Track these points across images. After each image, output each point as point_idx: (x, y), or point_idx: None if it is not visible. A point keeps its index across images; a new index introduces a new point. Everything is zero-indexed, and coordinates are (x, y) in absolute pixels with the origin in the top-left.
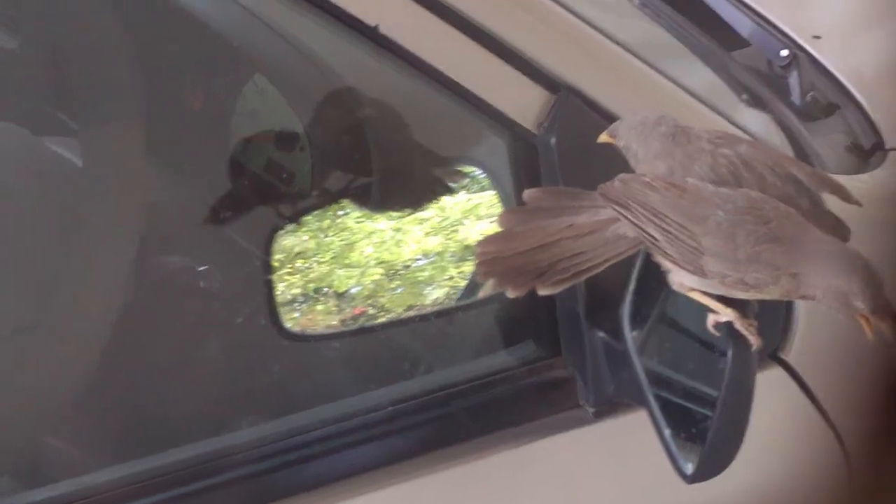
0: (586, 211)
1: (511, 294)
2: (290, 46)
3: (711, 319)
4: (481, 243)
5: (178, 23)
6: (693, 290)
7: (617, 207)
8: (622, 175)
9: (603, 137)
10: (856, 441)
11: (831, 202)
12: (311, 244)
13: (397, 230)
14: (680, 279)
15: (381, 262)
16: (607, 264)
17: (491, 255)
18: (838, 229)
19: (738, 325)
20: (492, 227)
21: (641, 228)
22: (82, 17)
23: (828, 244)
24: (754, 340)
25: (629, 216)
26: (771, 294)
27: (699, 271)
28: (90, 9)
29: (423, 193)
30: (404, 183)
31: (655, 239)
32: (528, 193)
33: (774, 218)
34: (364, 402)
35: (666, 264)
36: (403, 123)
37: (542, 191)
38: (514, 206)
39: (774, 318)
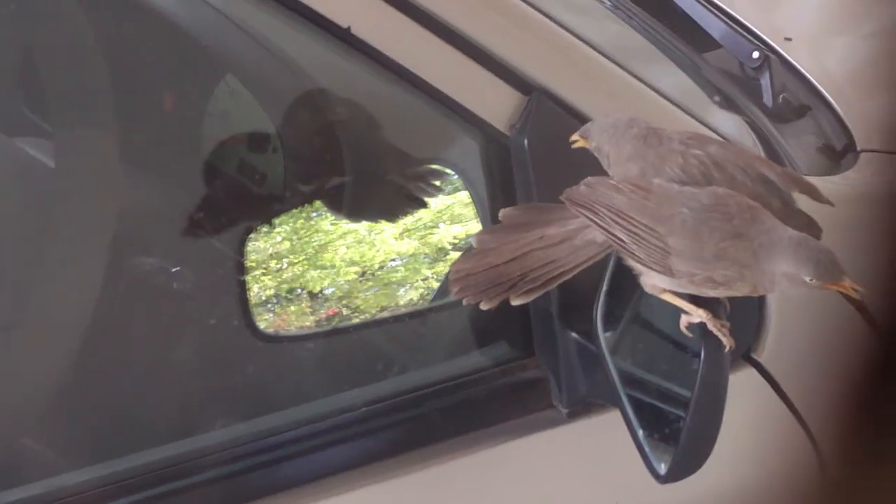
0: (557, 222)
1: (484, 306)
2: (262, 47)
3: (684, 320)
4: (455, 263)
5: (150, 24)
6: (665, 291)
7: (583, 211)
8: (588, 179)
9: (575, 138)
10: (828, 440)
11: (803, 202)
12: (285, 245)
13: (371, 231)
14: (651, 281)
15: (355, 263)
16: (578, 270)
17: (464, 273)
18: (810, 228)
19: (711, 326)
20: (465, 228)
21: (608, 231)
22: (54, 19)
23: (775, 232)
24: (727, 341)
25: (596, 219)
26: (740, 290)
27: (668, 271)
28: (62, 11)
29: (396, 197)
30: (378, 184)
31: (623, 241)
32: (503, 213)
33: (738, 214)
34: (338, 403)
35: (636, 266)
36: (376, 125)
37: (516, 208)
38: (486, 206)
39: (747, 319)
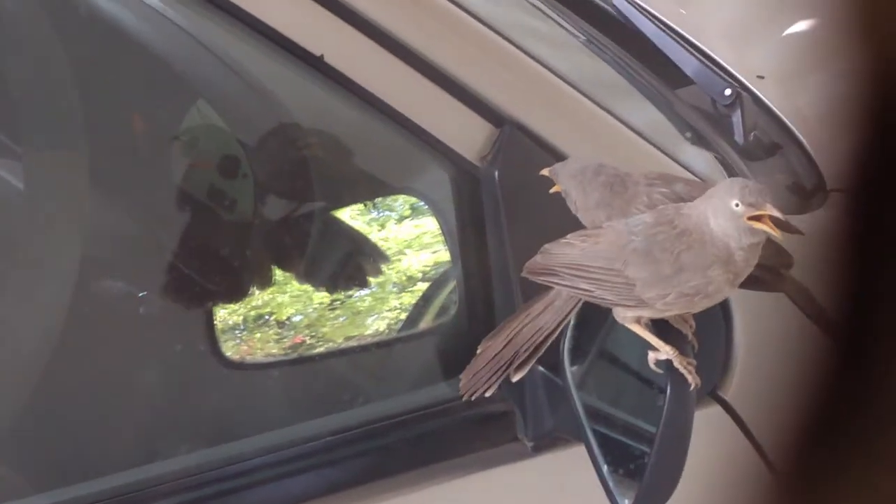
0: (540, 298)
1: (487, 394)
2: (235, 73)
3: (651, 357)
4: (463, 377)
5: (122, 47)
6: (635, 321)
7: (545, 279)
8: (543, 246)
9: (545, 173)
10: (792, 478)
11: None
12: None
13: None
14: (623, 313)
15: (323, 291)
16: (560, 327)
17: (471, 374)
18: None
19: (677, 364)
20: (434, 256)
21: (573, 287)
22: (26, 41)
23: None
24: (692, 379)
25: (558, 281)
26: (720, 291)
27: (640, 303)
28: (34, 32)
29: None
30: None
31: (589, 290)
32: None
33: (675, 215)
34: (302, 432)
35: (613, 309)
36: (347, 153)
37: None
38: (455, 237)
39: (714, 356)
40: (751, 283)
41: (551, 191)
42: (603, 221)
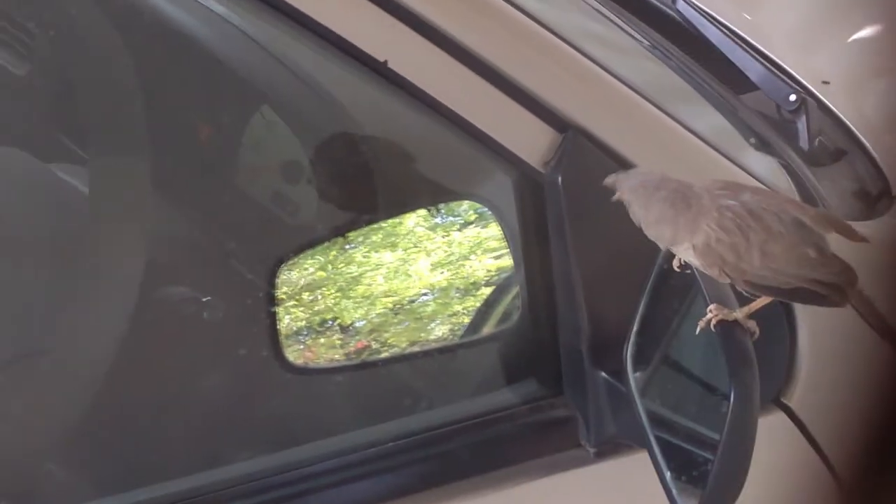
0: None
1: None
2: (299, 79)
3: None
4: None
5: (188, 53)
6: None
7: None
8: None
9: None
10: (856, 487)
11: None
12: (317, 277)
13: (404, 264)
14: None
15: (388, 296)
16: None
17: None
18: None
19: (741, 317)
20: (497, 262)
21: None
22: (93, 46)
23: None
24: (753, 326)
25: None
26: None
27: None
28: (101, 38)
29: None
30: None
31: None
32: None
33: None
34: (364, 438)
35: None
36: (410, 158)
37: None
38: (518, 243)
39: (777, 363)
40: (815, 299)
41: (613, 199)
42: (668, 238)
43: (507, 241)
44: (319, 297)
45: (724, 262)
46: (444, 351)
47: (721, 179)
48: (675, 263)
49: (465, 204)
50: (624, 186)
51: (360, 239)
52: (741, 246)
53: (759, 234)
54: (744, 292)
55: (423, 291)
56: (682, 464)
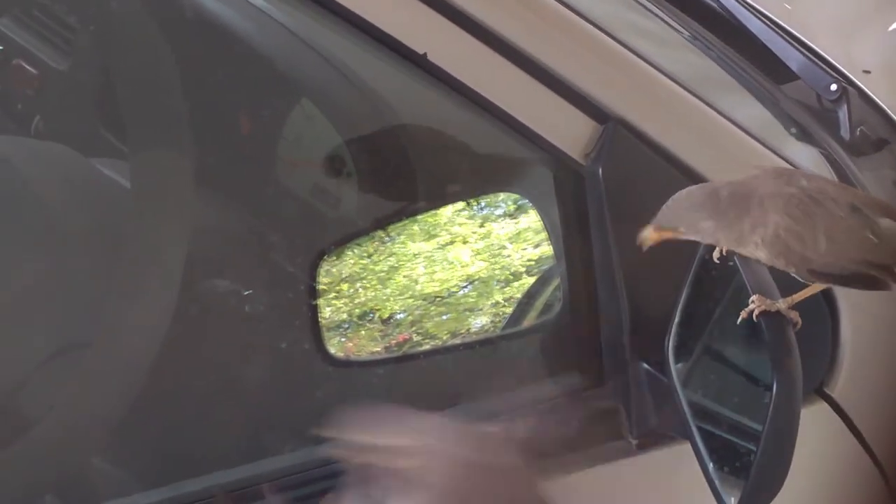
0: None
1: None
2: (338, 72)
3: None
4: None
5: (227, 46)
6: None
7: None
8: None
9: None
10: None
11: None
12: (358, 269)
13: (444, 255)
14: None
15: (427, 288)
16: None
17: None
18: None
19: (783, 307)
20: (538, 251)
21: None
22: (133, 42)
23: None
24: (796, 317)
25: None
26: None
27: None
28: (141, 32)
29: None
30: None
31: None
32: None
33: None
34: None
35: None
36: (450, 150)
37: None
38: (559, 234)
39: (820, 353)
40: (869, 283)
41: (649, 242)
42: (734, 238)
43: (547, 232)
44: (360, 289)
45: (790, 250)
46: (486, 343)
47: (772, 167)
48: (716, 255)
49: (504, 195)
50: (671, 217)
51: (400, 231)
52: (807, 233)
53: (824, 220)
54: (799, 278)
55: (464, 283)
56: (724, 455)
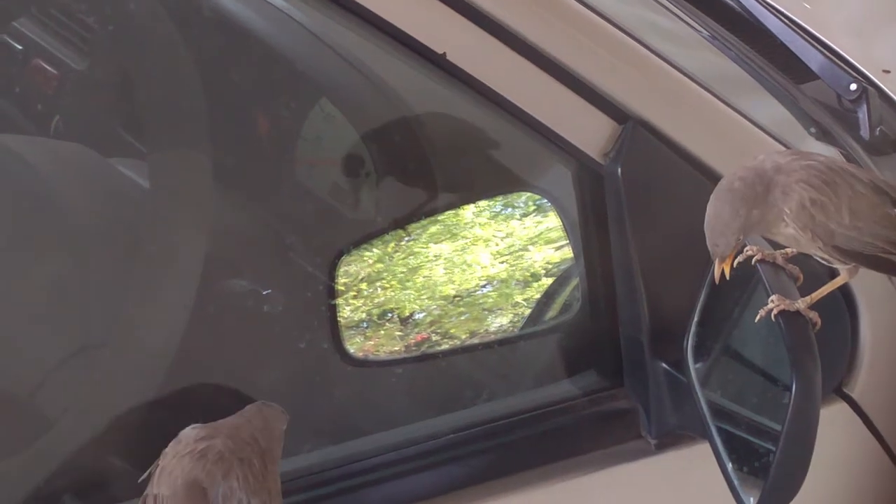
0: None
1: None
2: (357, 72)
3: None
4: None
5: (246, 46)
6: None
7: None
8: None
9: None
10: None
11: None
12: (377, 269)
13: (463, 255)
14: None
15: (447, 288)
16: None
17: None
18: None
19: (802, 308)
20: (557, 253)
21: None
22: (151, 42)
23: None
24: (815, 317)
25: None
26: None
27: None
28: (160, 32)
29: None
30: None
31: None
32: None
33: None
34: (424, 429)
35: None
36: (469, 150)
37: None
38: (578, 234)
39: (839, 353)
40: (888, 267)
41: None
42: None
43: (566, 232)
44: (379, 289)
45: (815, 222)
46: (504, 342)
47: (782, 151)
48: (717, 273)
49: (524, 195)
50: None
51: (419, 230)
52: (831, 204)
53: (846, 190)
54: (823, 261)
55: (483, 283)
56: (743, 455)
